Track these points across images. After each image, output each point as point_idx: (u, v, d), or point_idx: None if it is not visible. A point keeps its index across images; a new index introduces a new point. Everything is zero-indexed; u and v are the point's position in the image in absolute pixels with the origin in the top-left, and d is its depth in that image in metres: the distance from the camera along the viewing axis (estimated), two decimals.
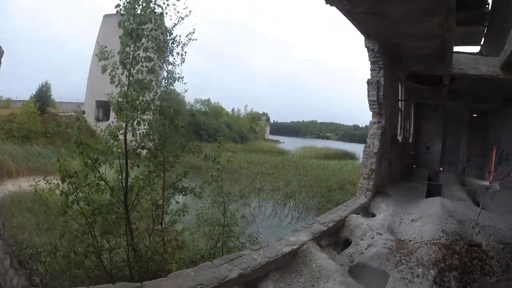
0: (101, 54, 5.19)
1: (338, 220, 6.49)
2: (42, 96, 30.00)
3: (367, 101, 8.50)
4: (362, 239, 5.95)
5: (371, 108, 8.70)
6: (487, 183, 15.12)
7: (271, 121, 74.89)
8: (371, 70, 8.39)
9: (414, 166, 18.46)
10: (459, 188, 12.89)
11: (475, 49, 12.85)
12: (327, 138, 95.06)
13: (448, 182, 14.34)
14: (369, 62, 8.29)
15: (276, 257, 4.46)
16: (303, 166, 23.29)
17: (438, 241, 5.39)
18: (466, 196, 11.18)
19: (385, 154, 9.50)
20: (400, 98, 13.28)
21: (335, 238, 6.46)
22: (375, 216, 7.63)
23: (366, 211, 8.10)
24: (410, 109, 17.61)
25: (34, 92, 30.38)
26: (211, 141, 37.19)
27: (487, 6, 9.11)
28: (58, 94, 34.62)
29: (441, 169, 18.73)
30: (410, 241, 5.67)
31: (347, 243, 6.25)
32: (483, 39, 12.58)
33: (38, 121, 25.07)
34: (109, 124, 5.24)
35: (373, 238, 5.81)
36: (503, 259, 4.93)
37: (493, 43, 9.71)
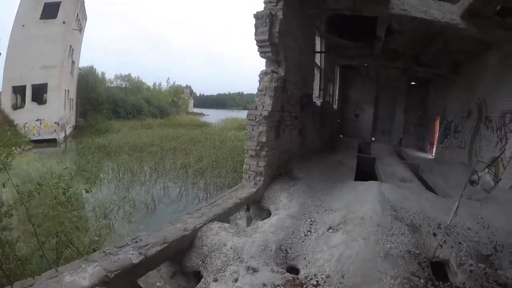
0: None
1: (172, 241, 3.41)
2: None
3: (255, 42, 5.83)
4: (215, 279, 3.12)
5: (261, 52, 6.00)
6: (428, 155, 14.09)
7: (196, 94, 70.75)
8: (264, 2, 5.81)
9: (341, 135, 16.43)
10: (399, 162, 10.43)
11: None
12: None
13: (382, 153, 12.19)
14: None
15: None
16: (221, 139, 21.17)
17: (375, 285, 2.80)
18: (410, 173, 8.46)
19: (289, 120, 7.09)
20: (317, 50, 11.09)
21: (181, 266, 3.71)
22: (270, 216, 4.82)
23: (257, 206, 5.48)
24: (334, 71, 15.63)
25: None
26: (129, 118, 34.96)
27: None
28: None
29: (373, 139, 17.06)
30: (317, 284, 2.84)
31: (200, 276, 3.48)
32: None
33: None
34: None
35: (236, 279, 3.01)
36: None
37: None
